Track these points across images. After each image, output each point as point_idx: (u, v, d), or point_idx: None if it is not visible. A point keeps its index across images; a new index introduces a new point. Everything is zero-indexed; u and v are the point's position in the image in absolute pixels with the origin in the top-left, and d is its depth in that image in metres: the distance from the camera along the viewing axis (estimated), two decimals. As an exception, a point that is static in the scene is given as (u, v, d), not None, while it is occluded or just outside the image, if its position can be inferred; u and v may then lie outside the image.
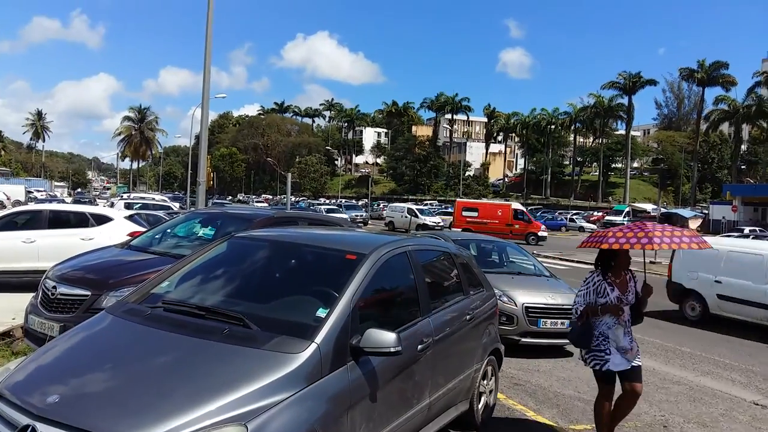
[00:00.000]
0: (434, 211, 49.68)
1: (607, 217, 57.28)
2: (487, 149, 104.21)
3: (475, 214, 35.23)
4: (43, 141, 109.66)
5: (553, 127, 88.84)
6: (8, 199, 44.36)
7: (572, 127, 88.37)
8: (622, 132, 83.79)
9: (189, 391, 2.80)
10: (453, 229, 34.04)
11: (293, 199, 53.58)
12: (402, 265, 4.34)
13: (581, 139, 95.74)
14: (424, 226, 38.30)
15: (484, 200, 45.75)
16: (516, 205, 37.66)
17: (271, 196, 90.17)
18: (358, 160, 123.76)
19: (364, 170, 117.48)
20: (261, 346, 3.14)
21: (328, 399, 3.10)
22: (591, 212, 66.56)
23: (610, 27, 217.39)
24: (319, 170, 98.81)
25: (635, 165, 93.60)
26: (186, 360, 3.08)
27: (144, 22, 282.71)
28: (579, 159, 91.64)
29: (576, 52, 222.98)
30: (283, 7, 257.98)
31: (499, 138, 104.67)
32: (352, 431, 3.25)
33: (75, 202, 37.54)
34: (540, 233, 35.06)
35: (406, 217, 42.15)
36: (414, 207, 46.89)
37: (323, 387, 3.10)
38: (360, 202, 68.81)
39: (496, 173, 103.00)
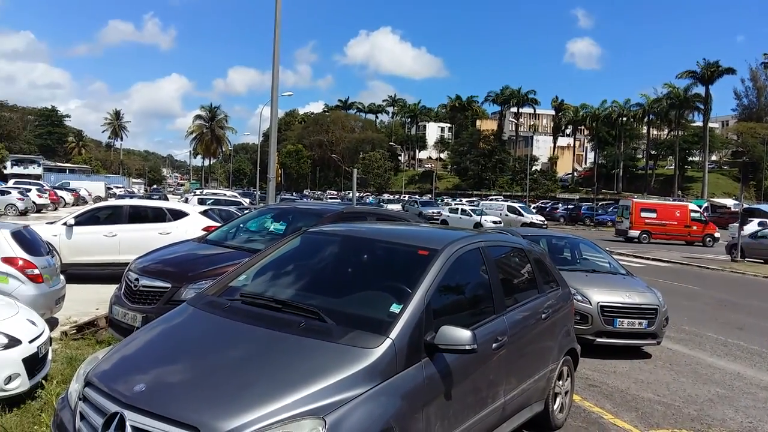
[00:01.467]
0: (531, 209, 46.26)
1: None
2: (554, 143, 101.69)
3: (654, 215, 33.21)
4: (121, 140, 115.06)
5: (624, 119, 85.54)
6: (89, 195, 46.93)
7: (645, 119, 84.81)
8: (699, 124, 79.80)
9: (268, 383, 2.84)
10: (631, 231, 32.36)
11: (358, 195, 53.46)
12: (475, 261, 4.27)
13: (655, 132, 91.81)
14: (531, 225, 35.38)
15: (656, 199, 42.17)
16: (692, 206, 35.83)
17: (335, 192, 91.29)
18: (422, 155, 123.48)
19: (427, 165, 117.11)
20: (337, 340, 3.15)
21: (403, 395, 3.08)
22: (666, 208, 63.72)
23: (685, 14, 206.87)
24: (383, 166, 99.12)
25: (714, 158, 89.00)
26: (264, 352, 3.13)
27: (213, 24, 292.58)
28: (653, 152, 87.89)
29: (648, 41, 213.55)
30: (345, 5, 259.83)
31: (568, 131, 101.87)
32: (427, 429, 3.22)
33: (147, 197, 39.17)
34: (716, 234, 33.67)
35: (506, 215, 38.70)
36: (516, 204, 43.75)
37: (398, 383, 3.08)
38: (424, 198, 68.47)
39: (564, 167, 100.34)
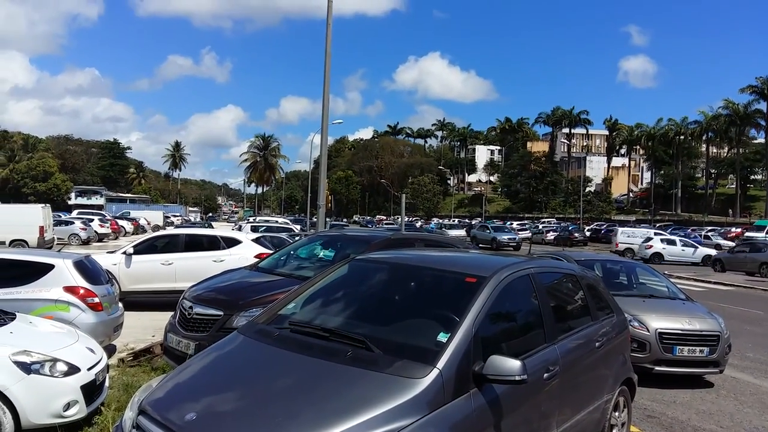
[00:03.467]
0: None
1: (748, 233, 52.44)
2: (608, 163, 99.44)
3: None
4: (179, 170, 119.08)
5: (682, 137, 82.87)
6: (148, 224, 48.61)
7: (704, 137, 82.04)
8: (762, 140, 76.66)
9: (315, 413, 2.85)
10: None
11: (407, 220, 52.74)
12: (525, 288, 4.18)
13: (714, 150, 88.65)
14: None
15: None
16: None
17: (384, 217, 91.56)
18: (471, 178, 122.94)
19: (477, 189, 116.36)
20: (383, 370, 3.13)
21: (450, 427, 3.02)
22: (728, 228, 61.29)
23: (745, 28, 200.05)
24: (432, 190, 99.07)
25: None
26: (312, 382, 3.14)
27: (266, 56, 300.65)
28: (712, 171, 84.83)
29: (706, 57, 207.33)
30: (394, 32, 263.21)
31: (622, 151, 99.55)
32: (476, 461, 3.15)
33: (191, 225, 40.54)
34: None
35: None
36: (676, 237, 33.76)
37: (445, 414, 3.03)
38: (473, 222, 67.75)
39: (619, 188, 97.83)
